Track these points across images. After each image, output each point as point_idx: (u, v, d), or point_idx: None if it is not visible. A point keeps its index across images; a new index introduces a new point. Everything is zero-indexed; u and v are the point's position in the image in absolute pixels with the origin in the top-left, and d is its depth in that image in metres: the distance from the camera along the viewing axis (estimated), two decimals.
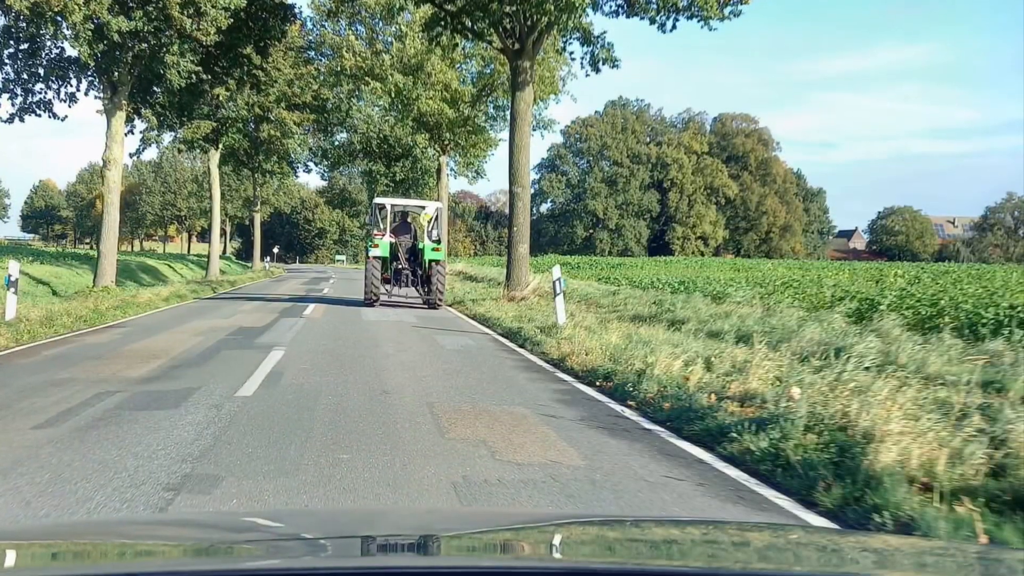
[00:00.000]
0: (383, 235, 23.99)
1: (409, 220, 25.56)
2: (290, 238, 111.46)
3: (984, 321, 12.87)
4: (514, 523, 2.39)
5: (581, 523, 2.43)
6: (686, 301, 19.77)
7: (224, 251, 74.72)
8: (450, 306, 25.12)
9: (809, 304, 18.87)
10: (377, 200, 26.44)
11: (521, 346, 15.15)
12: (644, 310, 19.26)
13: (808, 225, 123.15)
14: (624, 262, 75.16)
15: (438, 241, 24.03)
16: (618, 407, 9.36)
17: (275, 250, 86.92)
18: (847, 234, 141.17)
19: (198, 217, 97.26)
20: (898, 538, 3.37)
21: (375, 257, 23.31)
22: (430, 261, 23.47)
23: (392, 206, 25.66)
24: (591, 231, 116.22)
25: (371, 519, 5.38)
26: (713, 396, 8.61)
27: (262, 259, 67.67)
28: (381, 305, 23.89)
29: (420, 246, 24.01)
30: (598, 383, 10.82)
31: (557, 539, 2.02)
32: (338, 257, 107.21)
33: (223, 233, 78.13)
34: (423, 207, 25.40)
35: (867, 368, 9.47)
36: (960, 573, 1.77)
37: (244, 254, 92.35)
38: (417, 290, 24.51)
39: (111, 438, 7.11)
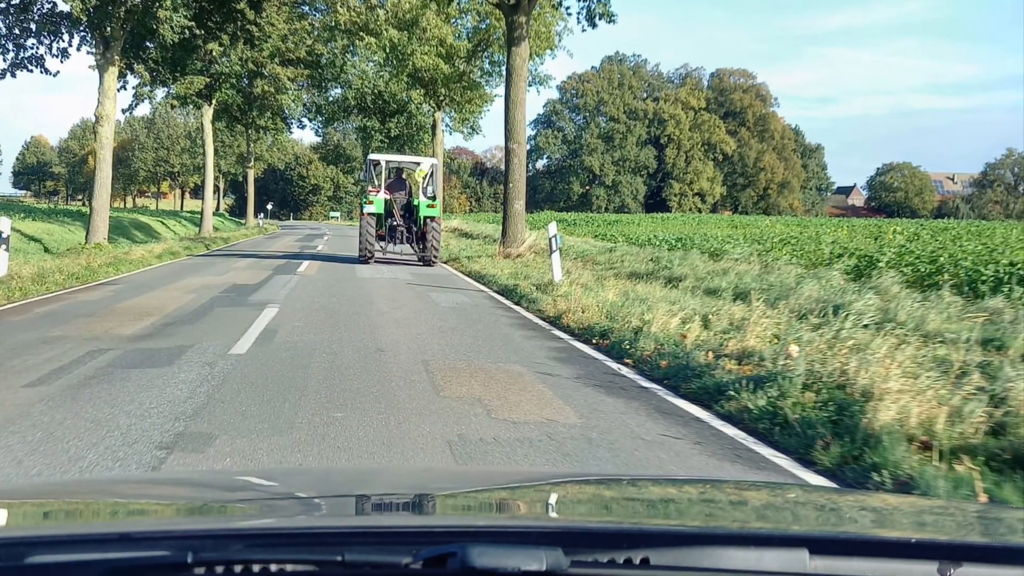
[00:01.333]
0: (378, 192, 23.81)
1: (404, 176, 25.32)
2: (284, 195, 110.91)
3: (984, 278, 12.81)
4: (510, 482, 2.38)
5: (577, 482, 2.39)
6: (683, 258, 19.70)
7: (217, 208, 74.51)
8: (445, 263, 25.03)
9: (807, 261, 18.81)
10: (372, 156, 26.25)
11: (517, 303, 15.09)
12: (641, 267, 19.19)
13: (806, 182, 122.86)
14: (621, 219, 75.05)
15: (433, 198, 23.92)
16: (615, 365, 9.32)
17: (269, 207, 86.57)
18: (845, 191, 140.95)
19: (191, 174, 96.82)
20: (897, 497, 3.35)
21: (370, 214, 23.16)
22: (425, 218, 23.29)
23: (387, 162, 25.46)
24: (587, 188, 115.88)
25: (365, 478, 5.33)
26: (710, 354, 8.55)
27: (256, 216, 67.37)
28: (376, 262, 23.82)
29: (415, 203, 23.90)
30: (594, 341, 10.77)
31: (553, 498, 1.99)
32: (332, 214, 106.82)
33: (216, 190, 77.86)
34: (418, 163, 25.26)
35: (866, 326, 9.43)
36: (959, 532, 1.73)
37: (237, 211, 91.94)
38: (412, 247, 24.43)
39: (103, 396, 7.05)
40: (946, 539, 1.54)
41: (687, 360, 8.46)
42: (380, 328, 11.54)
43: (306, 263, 24.04)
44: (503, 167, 27.05)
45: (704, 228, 50.33)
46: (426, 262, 23.55)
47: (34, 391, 7.20)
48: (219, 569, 1.15)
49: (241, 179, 80.00)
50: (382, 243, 24.06)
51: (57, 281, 16.47)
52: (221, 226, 55.03)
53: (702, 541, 1.28)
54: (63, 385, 7.44)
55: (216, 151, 56.81)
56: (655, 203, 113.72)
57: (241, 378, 7.94)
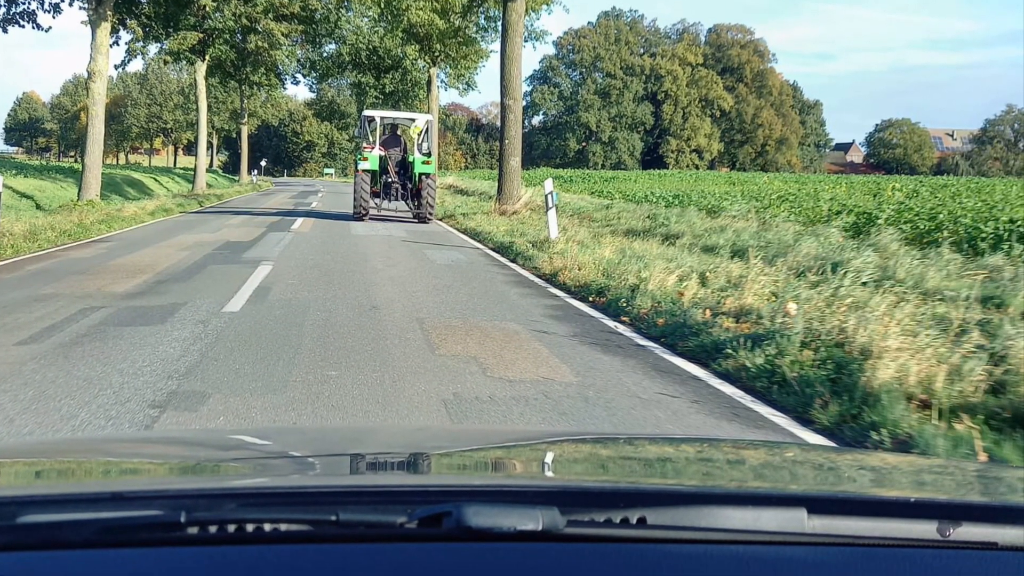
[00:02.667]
0: (372, 148, 23.63)
1: (399, 133, 25.26)
2: (278, 151, 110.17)
3: (983, 235, 12.74)
4: (506, 441, 2.40)
5: (573, 441, 2.38)
6: (680, 215, 19.61)
7: (211, 164, 73.90)
8: (440, 220, 24.91)
9: (805, 218, 18.73)
10: (366, 112, 25.97)
11: (512, 261, 15.03)
12: (638, 224, 19.10)
13: (804, 138, 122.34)
14: (617, 175, 74.81)
15: (428, 154, 23.74)
16: (611, 323, 9.27)
17: (263, 163, 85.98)
18: (844, 147, 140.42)
19: (184, 130, 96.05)
20: (896, 456, 3.33)
21: (364, 170, 22.99)
22: (420, 174, 23.11)
23: (381, 119, 25.28)
24: (584, 144, 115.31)
25: (360, 437, 5.31)
26: (708, 312, 8.50)
27: (249, 172, 67.01)
28: (370, 219, 23.67)
29: (410, 159, 23.67)
30: (591, 299, 10.72)
31: (549, 457, 1.97)
32: (327, 170, 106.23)
33: (210, 146, 77.16)
34: (413, 119, 24.86)
35: (864, 283, 9.38)
36: (959, 491, 1.71)
37: (231, 167, 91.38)
38: (407, 204, 24.31)
39: (96, 354, 6.99)
40: (945, 498, 1.52)
41: (684, 318, 8.41)
42: (375, 286, 11.47)
43: (300, 220, 23.97)
44: (499, 123, 26.93)
45: (701, 185, 50.22)
46: (421, 219, 23.43)
47: (26, 349, 7.13)
48: (212, 528, 1.13)
49: (235, 135, 79.41)
50: (377, 200, 23.87)
51: (49, 238, 16.37)
52: (215, 183, 54.70)
53: (699, 500, 1.26)
54: (55, 343, 7.38)
55: (209, 107, 56.37)
56: (652, 160, 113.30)
57: (235, 336, 7.88)
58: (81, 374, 6.33)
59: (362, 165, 22.97)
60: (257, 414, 5.50)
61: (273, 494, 1.29)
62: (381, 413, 5.64)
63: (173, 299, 9.84)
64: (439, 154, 49.05)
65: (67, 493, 1.35)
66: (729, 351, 7.05)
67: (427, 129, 24.15)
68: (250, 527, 1.13)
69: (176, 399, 5.77)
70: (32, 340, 7.49)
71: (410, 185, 23.79)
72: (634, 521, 1.17)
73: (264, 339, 7.81)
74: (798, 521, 1.20)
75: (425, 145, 24.06)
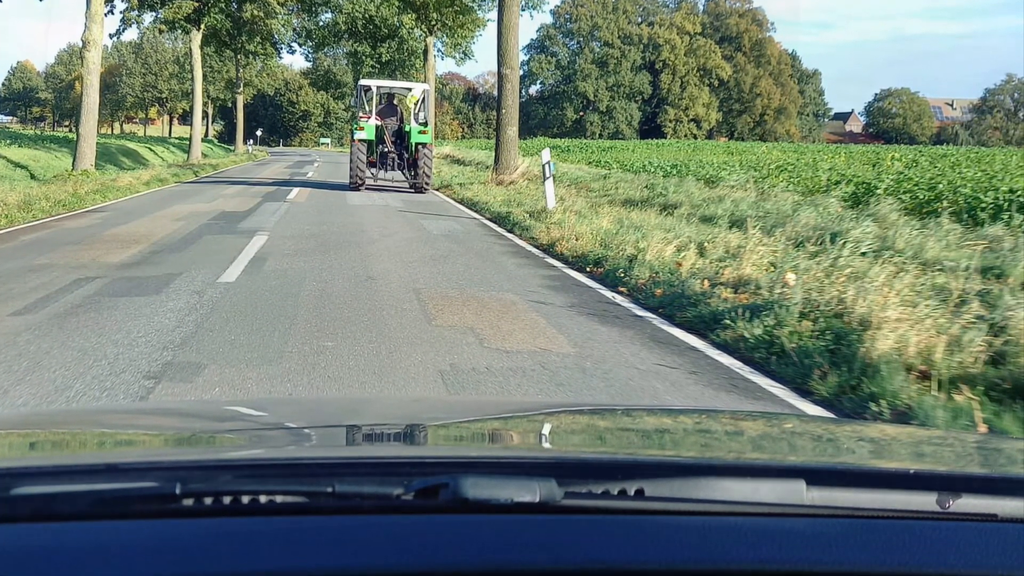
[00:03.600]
0: (368, 118, 23.54)
1: (395, 103, 25.21)
2: (274, 121, 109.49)
3: (983, 205, 12.68)
4: (502, 412, 2.39)
5: (571, 412, 2.36)
6: (678, 185, 19.51)
7: (206, 134, 73.69)
8: (437, 190, 24.82)
9: (804, 188, 18.64)
10: (362, 82, 25.90)
11: (510, 231, 14.97)
12: (635, 194, 19.02)
13: (803, 108, 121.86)
14: (615, 145, 74.56)
15: (425, 124, 23.76)
16: (609, 293, 9.23)
17: (258, 133, 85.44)
18: (843, 117, 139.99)
19: (180, 99, 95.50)
20: (895, 427, 3.33)
21: (360, 140, 22.92)
22: (416, 144, 23.19)
23: (378, 88, 25.24)
24: (581, 114, 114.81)
25: (356, 408, 5.29)
26: (706, 282, 8.46)
27: (245, 142, 66.65)
28: (367, 189, 23.72)
29: (406, 129, 23.68)
30: (588, 269, 10.67)
31: (546, 428, 1.94)
32: (323, 140, 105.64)
33: (205, 116, 76.87)
34: (409, 89, 24.87)
35: (863, 254, 9.34)
36: (958, 463, 1.68)
37: (227, 137, 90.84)
38: (403, 174, 24.29)
39: (90, 325, 6.94)
40: (945, 470, 1.50)
41: (682, 288, 8.37)
42: (371, 256, 11.41)
43: (296, 190, 23.85)
44: (496, 93, 26.68)
45: (700, 155, 50.02)
46: (418, 189, 23.48)
47: (20, 320, 7.09)
48: (208, 500, 1.12)
49: (230, 105, 78.92)
50: (373, 170, 23.85)
51: (44, 208, 16.27)
52: (210, 152, 54.47)
53: (697, 472, 1.24)
54: (50, 314, 7.33)
55: (205, 77, 55.94)
56: (650, 129, 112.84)
57: (230, 307, 7.84)
58: (76, 345, 6.29)
59: (358, 135, 22.92)
60: (252, 385, 5.47)
61: (269, 465, 1.28)
62: (377, 384, 5.61)
63: (168, 270, 9.78)
64: (436, 124, 48.77)
65: (61, 465, 1.33)
66: (727, 322, 7.01)
67: (423, 99, 24.08)
68: (246, 499, 1.12)
69: (171, 370, 5.73)
70: (26, 311, 7.44)
71: (406, 155, 23.81)
72: (632, 493, 1.16)
73: (260, 309, 7.76)
74: (797, 493, 1.18)
75: (422, 115, 24.02)
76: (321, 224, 15.33)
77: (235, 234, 13.36)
